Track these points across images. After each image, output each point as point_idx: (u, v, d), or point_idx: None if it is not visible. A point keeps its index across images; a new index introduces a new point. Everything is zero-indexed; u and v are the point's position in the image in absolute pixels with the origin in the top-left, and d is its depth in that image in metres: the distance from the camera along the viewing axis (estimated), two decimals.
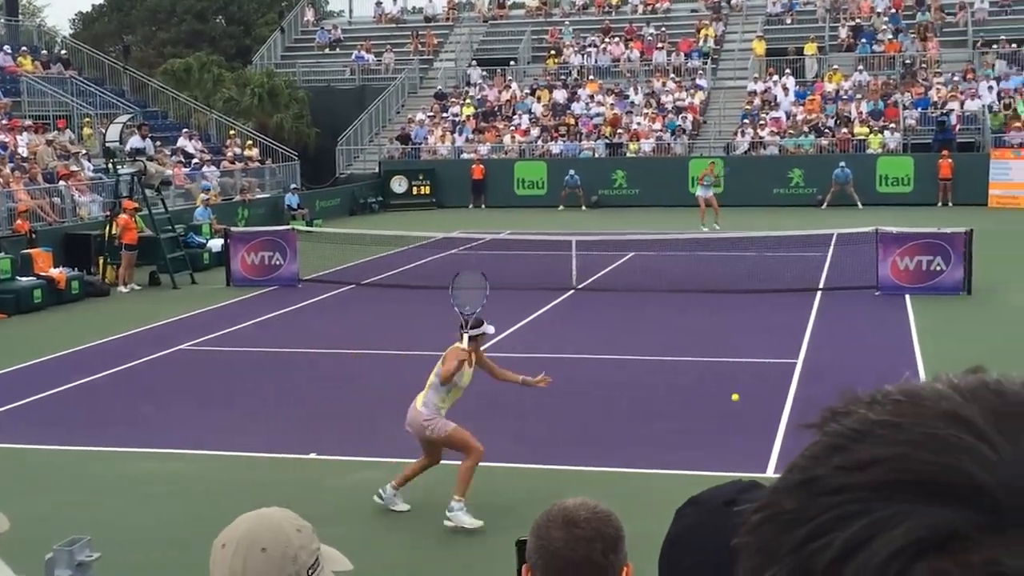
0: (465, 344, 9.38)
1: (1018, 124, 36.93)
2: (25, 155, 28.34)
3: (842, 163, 36.01)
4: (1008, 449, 0.62)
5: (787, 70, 42.22)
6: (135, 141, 25.90)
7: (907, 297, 19.09)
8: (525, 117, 42.36)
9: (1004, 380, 0.66)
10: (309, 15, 52.20)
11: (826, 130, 38.99)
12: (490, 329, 9.69)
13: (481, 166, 39.35)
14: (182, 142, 35.06)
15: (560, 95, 43.27)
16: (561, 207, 37.21)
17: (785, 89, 41.14)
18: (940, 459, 0.62)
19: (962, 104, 38.79)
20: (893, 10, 44.98)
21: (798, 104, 40.73)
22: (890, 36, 43.40)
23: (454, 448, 9.38)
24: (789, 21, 46.15)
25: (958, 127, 38.10)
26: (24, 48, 37.00)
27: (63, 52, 41.49)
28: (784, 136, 39.14)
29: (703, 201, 30.62)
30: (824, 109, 40.19)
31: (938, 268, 19.68)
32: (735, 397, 12.45)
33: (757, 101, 41.08)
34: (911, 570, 0.59)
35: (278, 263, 22.52)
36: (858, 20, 44.76)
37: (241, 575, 2.11)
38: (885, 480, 0.62)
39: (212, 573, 2.17)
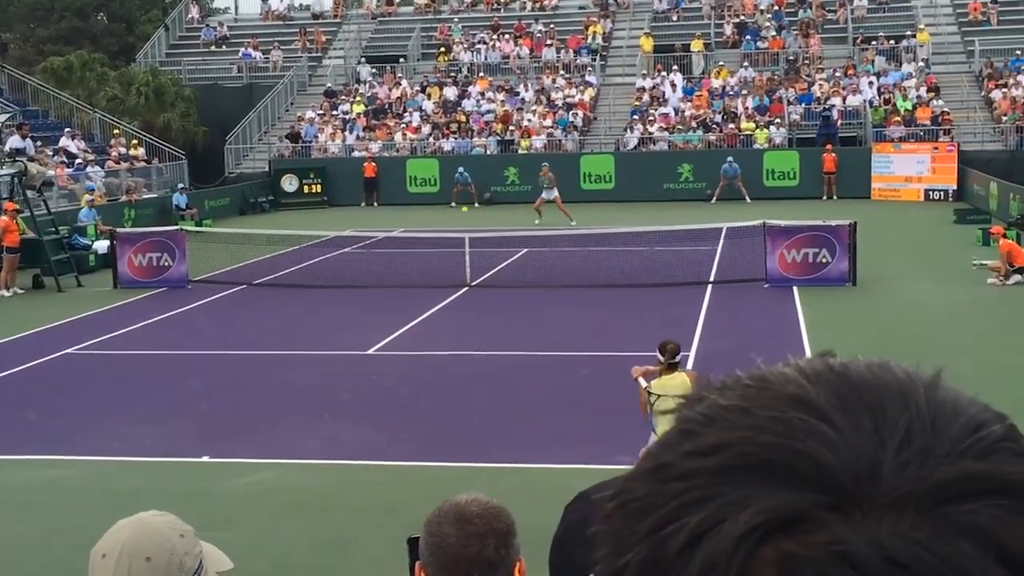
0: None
1: (898, 119, 37.95)
2: None
3: (730, 158, 36.62)
4: (850, 431, 0.62)
5: (675, 67, 42.75)
6: (15, 141, 25.27)
7: (795, 288, 19.48)
8: (416, 114, 42.24)
9: (849, 363, 0.67)
10: (194, 12, 51.31)
11: (714, 125, 39.59)
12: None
13: (373, 164, 39.13)
14: (64, 142, 34.22)
15: (451, 92, 43.24)
16: (453, 204, 37.16)
17: (673, 85, 41.67)
18: (784, 441, 0.62)
19: (844, 99, 39.72)
20: (776, 7, 45.85)
21: (686, 100, 41.29)
22: (774, 33, 44.24)
23: None
24: (676, 18, 46.74)
25: (840, 122, 39.01)
26: None
27: None
28: (673, 132, 39.65)
29: (543, 200, 31.17)
30: (711, 105, 40.81)
31: (824, 260, 20.12)
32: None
33: (646, 97, 41.54)
34: (757, 553, 0.60)
35: (167, 264, 22.12)
36: (742, 17, 45.54)
37: None
38: (731, 464, 0.62)
39: None
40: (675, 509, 0.62)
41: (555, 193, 31.29)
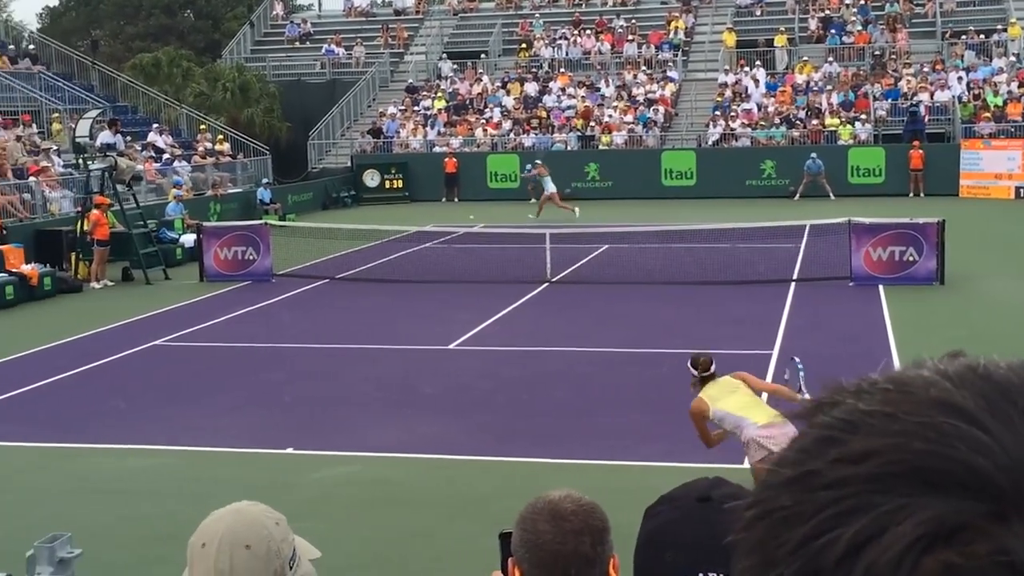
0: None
1: (987, 115, 37.19)
2: None
3: (813, 154, 36.17)
4: (1004, 434, 0.61)
5: (757, 62, 42.34)
6: (105, 136, 25.78)
7: (880, 287, 19.18)
8: (497, 110, 42.33)
9: (990, 364, 0.66)
10: (278, 9, 51.95)
11: (797, 121, 39.13)
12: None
13: (453, 159, 39.29)
14: (153, 137, 34.85)
15: (531, 88, 43.25)
16: (534, 200, 37.15)
17: (756, 81, 41.26)
18: (937, 448, 0.61)
19: (932, 95, 39.01)
20: (862, 1, 45.18)
21: (769, 96, 40.86)
22: (859, 27, 43.60)
23: None
24: (759, 13, 46.28)
25: (928, 118, 38.32)
26: None
27: (31, 47, 41.13)
28: (755, 128, 39.26)
29: (546, 197, 31.57)
30: (795, 101, 40.34)
31: (911, 258, 19.79)
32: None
33: (728, 93, 41.18)
34: (920, 564, 0.59)
35: (251, 258, 22.42)
36: (827, 11, 44.94)
37: (228, 574, 2.08)
38: (883, 472, 0.61)
39: (191, 572, 2.13)
40: (829, 519, 0.61)
41: (552, 188, 31.57)
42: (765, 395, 9.07)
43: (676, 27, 45.33)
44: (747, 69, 42.02)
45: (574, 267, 22.43)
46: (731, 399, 8.47)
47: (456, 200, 38.57)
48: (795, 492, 0.63)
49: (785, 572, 0.62)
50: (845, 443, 0.64)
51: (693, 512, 1.95)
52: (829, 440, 0.64)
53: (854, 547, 0.60)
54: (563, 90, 42.87)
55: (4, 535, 8.60)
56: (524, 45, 46.08)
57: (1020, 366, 0.66)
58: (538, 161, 33.35)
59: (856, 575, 0.59)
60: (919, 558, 0.59)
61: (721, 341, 15.55)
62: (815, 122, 38.87)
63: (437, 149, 40.74)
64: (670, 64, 43.61)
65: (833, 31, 43.67)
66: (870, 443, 0.63)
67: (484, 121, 41.77)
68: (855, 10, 44.66)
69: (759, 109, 40.24)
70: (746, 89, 41.23)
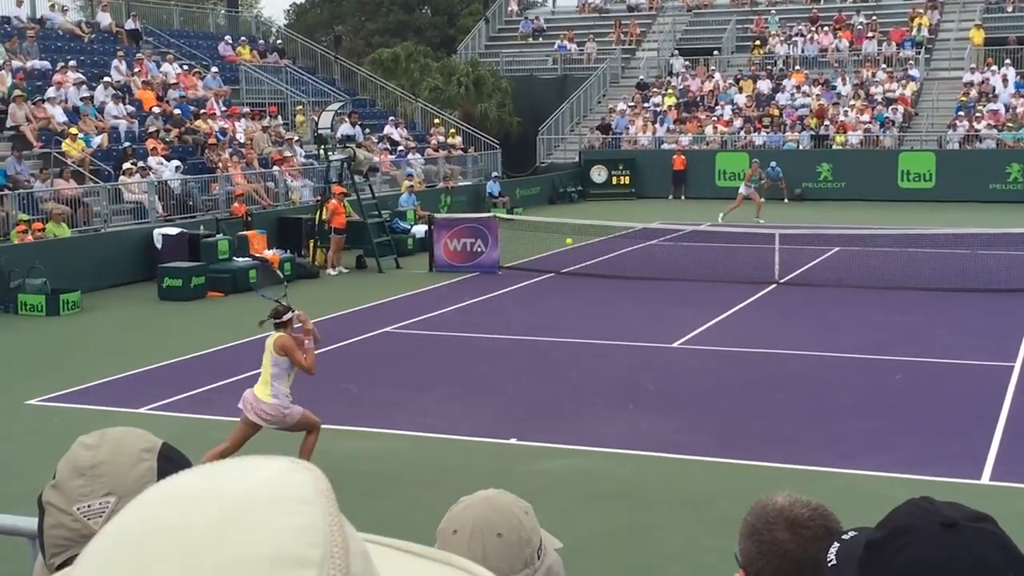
0: (284, 331, 10.04)
1: None
2: (242, 141, 29.52)
3: None
4: None
5: (1007, 60, 40.32)
6: (345, 128, 26.71)
7: None
8: (728, 108, 41.75)
9: None
10: (513, 5, 52.68)
11: None
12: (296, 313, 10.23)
13: (682, 157, 38.99)
14: (388, 130, 35.90)
15: (764, 85, 42.47)
16: (763, 200, 36.50)
17: (1005, 80, 39.33)
18: None
19: None
20: None
21: (1018, 96, 38.87)
22: None
23: (302, 428, 10.01)
24: (1010, 9, 44.07)
25: None
26: (243, 38, 38.53)
27: (278, 42, 43.05)
28: (1002, 129, 37.43)
29: (742, 197, 30.32)
30: None
31: None
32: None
33: (974, 92, 39.40)
34: None
35: (479, 250, 22.83)
36: None
37: (482, 561, 2.11)
38: None
39: None
40: None
41: (752, 188, 30.66)
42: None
43: (920, 24, 43.65)
44: (995, 68, 40.09)
45: (803, 269, 21.92)
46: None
47: (683, 198, 38.27)
48: None
49: None
50: None
51: (946, 541, 1.78)
52: None
53: None
54: (797, 88, 41.93)
55: None
56: (758, 42, 45.28)
57: None
58: (755, 160, 32.65)
59: None
60: None
61: (959, 351, 14.93)
62: None
63: (665, 146, 40.51)
64: (911, 62, 42.04)
65: None
66: None
67: (715, 119, 41.28)
68: None
69: (1007, 110, 38.33)
70: (993, 88, 39.35)
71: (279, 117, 33.32)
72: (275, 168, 28.15)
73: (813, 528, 2.31)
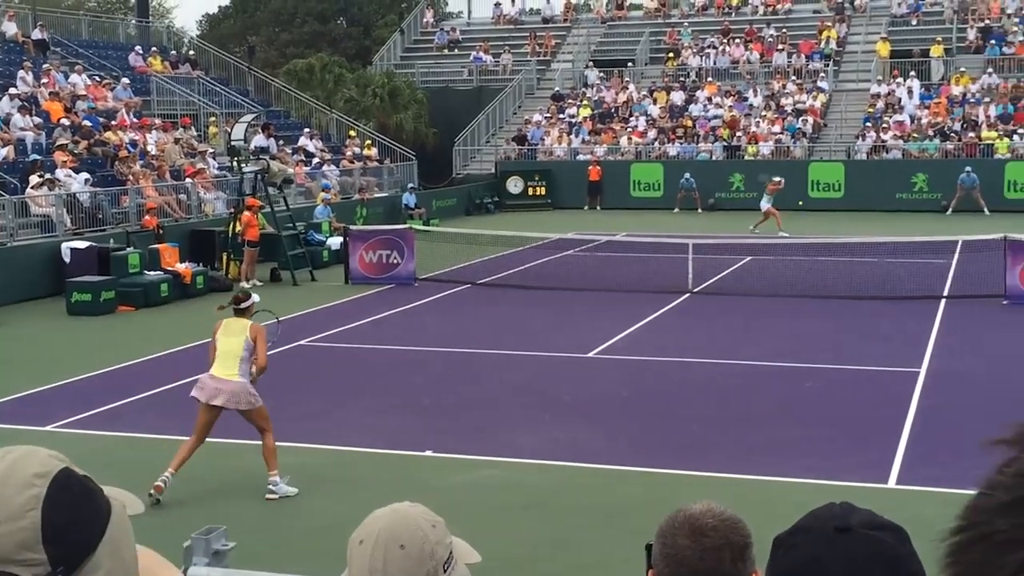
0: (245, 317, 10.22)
1: None
2: (154, 152, 29.12)
3: (968, 168, 35.10)
4: None
5: (912, 72, 41.29)
6: (259, 140, 26.46)
7: None
8: (642, 119, 42.17)
9: None
10: (428, 16, 52.70)
11: (952, 134, 38.02)
12: (256, 298, 10.55)
13: (597, 167, 39.29)
14: (303, 141, 35.68)
15: (678, 97, 42.98)
16: (677, 210, 36.98)
17: (910, 92, 40.25)
18: None
19: None
20: None
21: (923, 107, 39.81)
22: (1021, 38, 42.15)
23: (261, 421, 10.02)
24: (915, 22, 45.14)
25: None
26: (154, 49, 38.02)
27: (191, 52, 42.57)
28: (908, 140, 38.29)
29: (766, 213, 30.02)
30: (950, 112, 39.22)
31: None
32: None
33: (880, 104, 40.27)
34: None
35: (395, 261, 22.78)
36: (987, 21, 43.58)
37: (382, 572, 2.13)
38: None
39: (350, 568, 2.19)
40: None
41: (770, 203, 30.39)
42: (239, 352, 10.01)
43: (828, 36, 44.52)
44: (901, 80, 41.03)
45: (716, 278, 22.20)
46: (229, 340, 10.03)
47: (599, 208, 38.56)
48: (1012, 517, 0.63)
49: None
50: None
51: (834, 544, 1.87)
52: None
53: None
54: (710, 99, 42.49)
55: (160, 526, 8.89)
56: (672, 54, 45.82)
57: None
58: (775, 178, 31.75)
59: None
60: None
61: (868, 358, 15.22)
62: (971, 135, 37.72)
63: (581, 157, 40.80)
64: (821, 74, 42.85)
65: (992, 41, 42.31)
66: None
67: (629, 130, 41.66)
68: (1016, 20, 43.19)
69: (912, 121, 39.23)
70: (899, 100, 40.25)
71: (192, 129, 32.94)
72: (188, 180, 27.81)
73: (713, 538, 2.34)
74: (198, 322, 18.76)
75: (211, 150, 31.28)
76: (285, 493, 9.91)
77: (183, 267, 22.04)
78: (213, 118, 34.27)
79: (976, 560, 0.62)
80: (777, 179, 31.15)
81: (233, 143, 24.89)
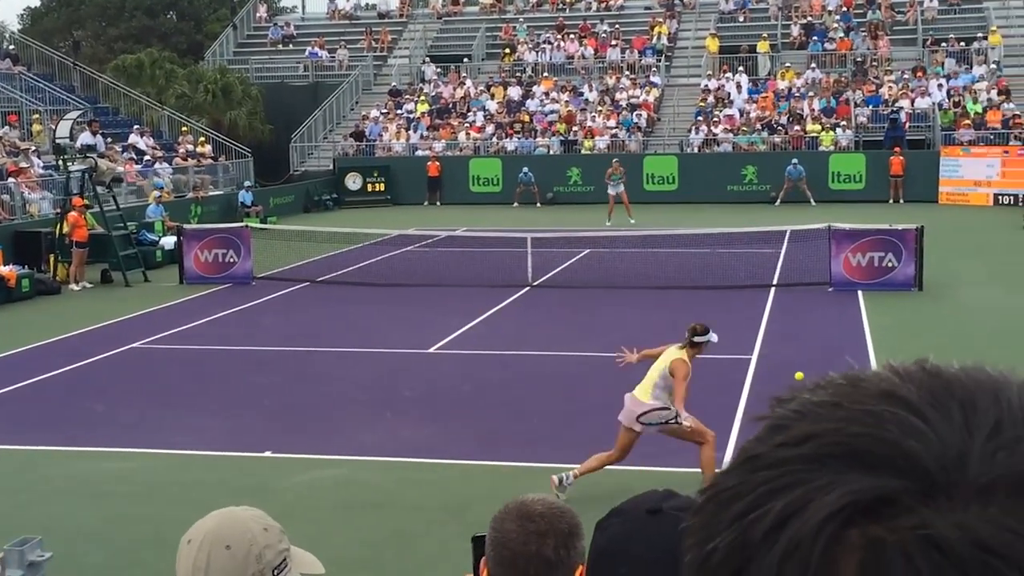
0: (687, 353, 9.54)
1: (967, 122, 37.37)
2: None
3: (795, 160, 36.30)
4: (940, 423, 0.64)
5: (740, 68, 42.48)
6: (85, 138, 25.69)
7: (860, 293, 19.26)
8: (480, 114, 42.35)
9: (942, 365, 0.69)
10: (261, 11, 51.88)
11: (779, 127, 39.27)
12: (714, 338, 9.72)
13: (436, 163, 39.30)
14: (133, 139, 34.72)
15: (515, 92, 43.30)
16: (516, 204, 37.26)
17: (738, 86, 41.40)
18: (873, 431, 0.63)
19: (912, 102, 39.21)
20: (844, 8, 45.38)
21: (751, 101, 41.00)
22: (841, 34, 43.80)
23: (693, 439, 9.64)
24: (742, 19, 46.44)
25: (908, 125, 38.49)
26: None
27: (11, 48, 40.93)
28: (737, 133, 39.39)
29: (612, 199, 30.90)
30: (777, 106, 40.48)
31: (890, 264, 19.88)
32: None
33: (711, 98, 41.31)
34: (843, 535, 0.61)
35: (232, 260, 22.36)
36: (810, 18, 45.13)
37: (204, 570, 2.10)
38: (820, 453, 0.64)
39: (177, 568, 2.16)
40: (763, 495, 0.64)
41: (621, 188, 31.22)
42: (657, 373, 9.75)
43: (659, 32, 45.45)
44: (730, 75, 42.16)
45: (555, 271, 22.44)
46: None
47: (439, 204, 38.58)
48: (740, 474, 0.66)
49: (719, 545, 0.65)
50: (790, 428, 0.67)
51: (644, 525, 1.94)
52: (778, 428, 0.68)
53: (781, 519, 0.62)
54: (546, 94, 42.92)
55: None
56: (508, 49, 46.12)
57: (973, 368, 0.68)
58: (616, 159, 32.97)
59: (780, 545, 0.62)
60: (842, 530, 0.61)
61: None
62: (797, 128, 39.02)
63: (420, 152, 40.74)
64: (653, 69, 43.72)
65: (815, 37, 43.86)
66: (811, 428, 0.66)
67: (467, 125, 41.78)
68: (837, 17, 44.86)
69: (741, 115, 40.37)
70: (728, 95, 41.36)
71: (17, 127, 31.71)
72: (11, 180, 26.76)
73: (539, 524, 2.37)
74: (23, 327, 18.12)
75: (35, 148, 30.16)
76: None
77: (7, 270, 21.20)
78: (37, 115, 33.03)
79: (706, 516, 0.66)
80: (615, 159, 32.34)
81: (58, 141, 24.10)
